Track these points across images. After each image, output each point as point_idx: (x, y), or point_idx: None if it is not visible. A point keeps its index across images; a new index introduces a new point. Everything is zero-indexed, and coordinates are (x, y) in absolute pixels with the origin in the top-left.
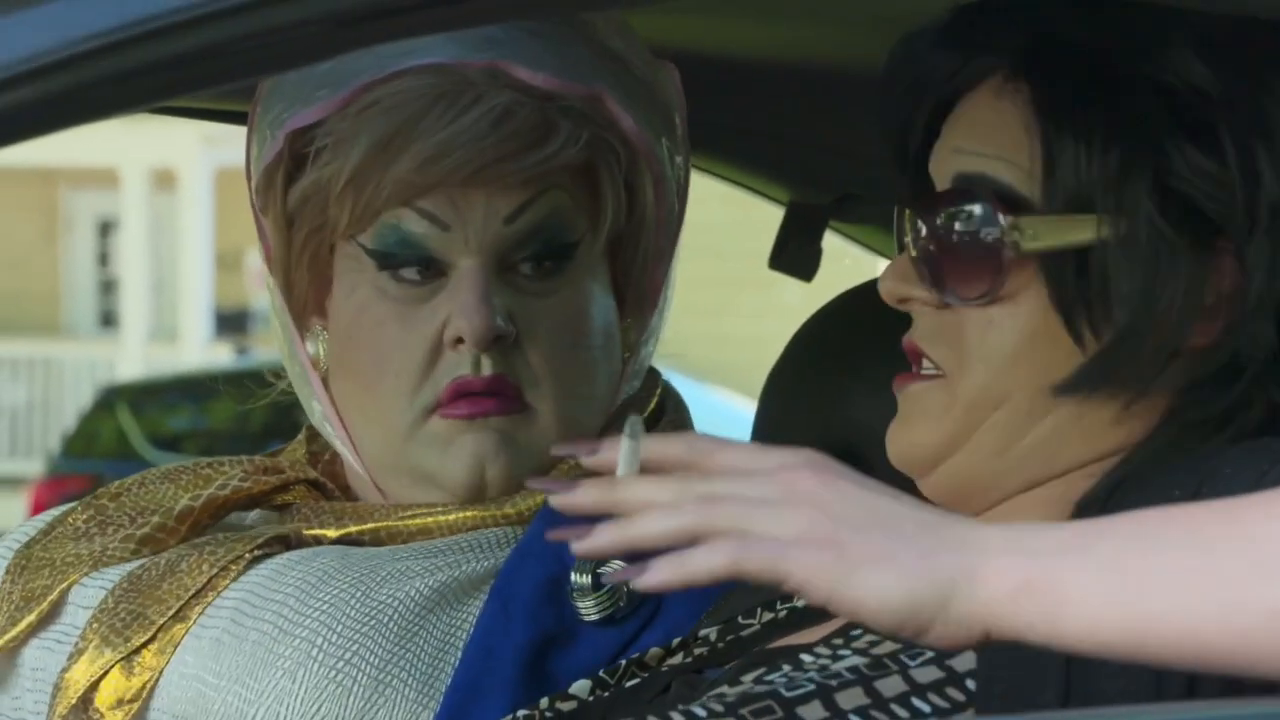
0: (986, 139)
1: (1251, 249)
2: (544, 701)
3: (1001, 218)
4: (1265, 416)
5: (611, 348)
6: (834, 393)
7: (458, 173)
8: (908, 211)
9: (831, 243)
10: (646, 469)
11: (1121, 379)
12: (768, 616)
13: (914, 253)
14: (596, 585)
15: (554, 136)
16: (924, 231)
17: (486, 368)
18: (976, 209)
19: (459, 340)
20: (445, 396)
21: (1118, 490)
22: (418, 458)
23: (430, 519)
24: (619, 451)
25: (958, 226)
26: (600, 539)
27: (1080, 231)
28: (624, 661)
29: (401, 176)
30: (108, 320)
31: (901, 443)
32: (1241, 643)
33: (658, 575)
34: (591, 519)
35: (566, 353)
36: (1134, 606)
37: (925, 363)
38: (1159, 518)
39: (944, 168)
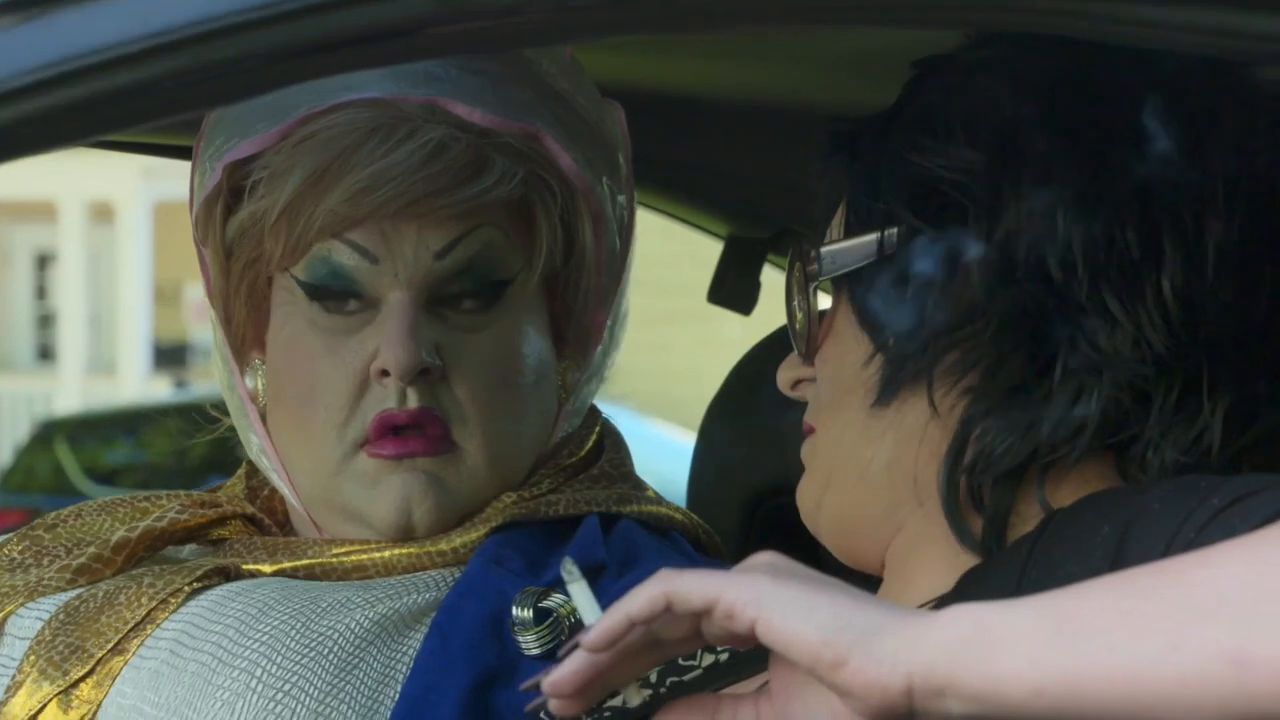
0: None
1: (994, 218)
2: None
3: (805, 259)
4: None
5: (545, 387)
6: (772, 426)
7: (388, 205)
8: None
9: (770, 277)
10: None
11: (904, 376)
12: (709, 659)
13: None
14: (538, 620)
15: (488, 172)
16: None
17: (412, 400)
18: (796, 265)
19: (385, 373)
20: (372, 431)
21: (1050, 524)
22: (346, 495)
23: (365, 556)
24: (578, 603)
25: (795, 292)
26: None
27: (866, 249)
28: None
29: (332, 208)
30: (45, 353)
31: (797, 496)
32: (1179, 689)
33: (598, 626)
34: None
35: (496, 389)
36: (1069, 652)
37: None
38: (1085, 584)
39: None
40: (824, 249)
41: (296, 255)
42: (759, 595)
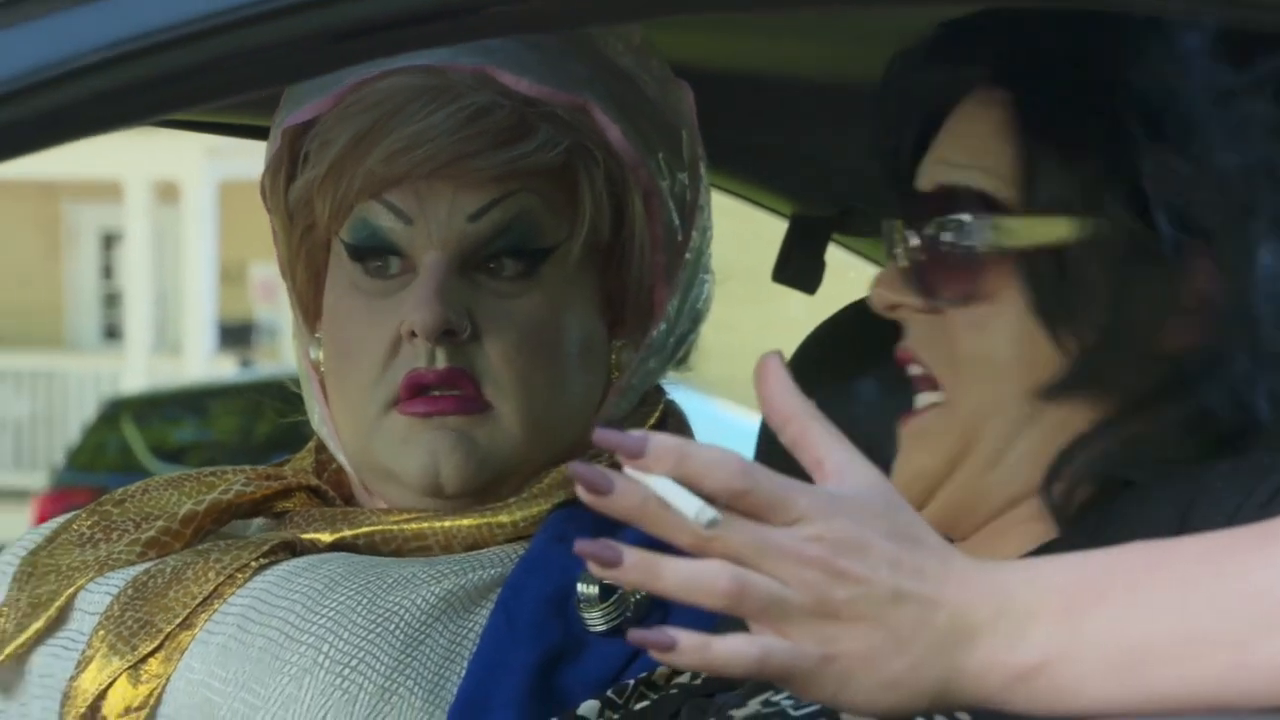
0: (966, 148)
1: (1229, 250)
2: None
3: (979, 218)
4: (1245, 422)
5: (591, 361)
6: (837, 405)
7: (424, 166)
8: (897, 223)
9: (834, 256)
10: (687, 483)
11: (1103, 381)
12: None
13: (903, 262)
14: (604, 596)
15: (530, 138)
16: (911, 241)
17: (440, 360)
18: (958, 214)
19: (414, 333)
20: (402, 391)
21: (1115, 503)
22: (379, 453)
23: (425, 524)
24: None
25: (943, 233)
26: (629, 574)
27: (1056, 232)
28: (632, 681)
29: (370, 169)
30: (111, 333)
31: (906, 474)
32: (1247, 700)
33: (681, 656)
34: (609, 526)
35: (532, 354)
36: (1133, 685)
37: (923, 398)
38: (1148, 571)
39: (928, 179)
40: (1005, 220)
41: (341, 217)
42: (830, 687)
